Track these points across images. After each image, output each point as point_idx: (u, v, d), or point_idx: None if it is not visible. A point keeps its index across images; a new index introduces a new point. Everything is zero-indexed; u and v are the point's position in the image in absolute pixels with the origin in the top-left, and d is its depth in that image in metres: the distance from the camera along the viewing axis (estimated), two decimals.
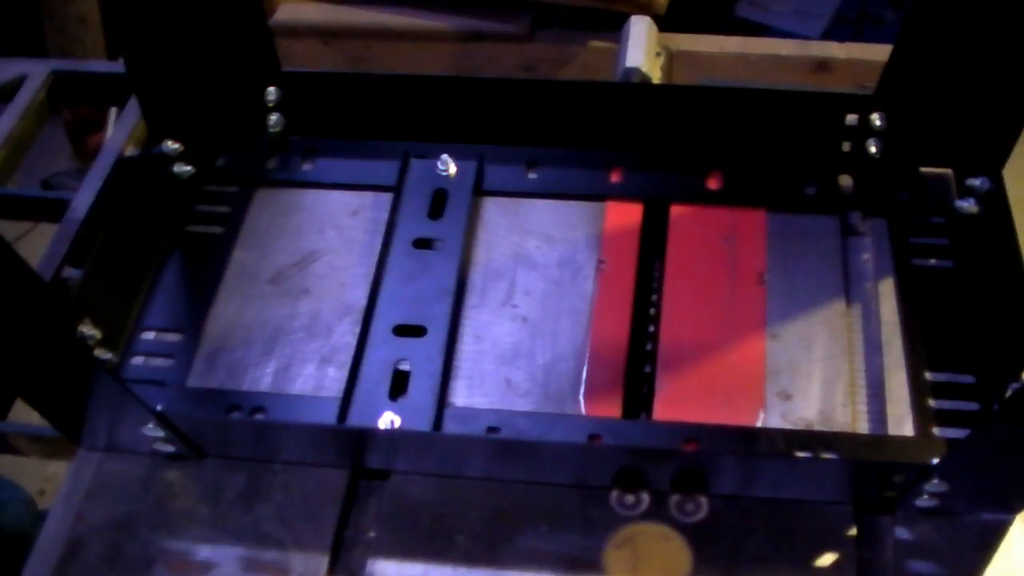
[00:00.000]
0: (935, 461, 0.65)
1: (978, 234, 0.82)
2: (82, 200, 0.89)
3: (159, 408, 0.70)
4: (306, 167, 0.93)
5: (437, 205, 0.87)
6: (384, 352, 0.78)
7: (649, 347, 0.79)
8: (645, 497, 0.71)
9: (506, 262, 0.85)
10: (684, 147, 0.89)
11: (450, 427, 0.75)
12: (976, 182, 0.82)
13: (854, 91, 0.96)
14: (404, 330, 0.79)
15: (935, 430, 0.73)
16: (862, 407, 0.75)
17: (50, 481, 1.60)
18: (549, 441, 0.73)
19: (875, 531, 0.69)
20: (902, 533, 0.68)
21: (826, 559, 0.67)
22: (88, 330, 0.78)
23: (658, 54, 1.31)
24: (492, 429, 0.74)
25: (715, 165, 0.88)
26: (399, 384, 0.76)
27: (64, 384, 0.68)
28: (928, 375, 0.76)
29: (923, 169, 0.87)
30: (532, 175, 0.90)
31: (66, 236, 0.85)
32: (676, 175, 0.88)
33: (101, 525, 0.72)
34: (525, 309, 0.82)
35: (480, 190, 0.89)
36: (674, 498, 0.71)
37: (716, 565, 0.68)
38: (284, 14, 1.69)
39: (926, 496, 0.67)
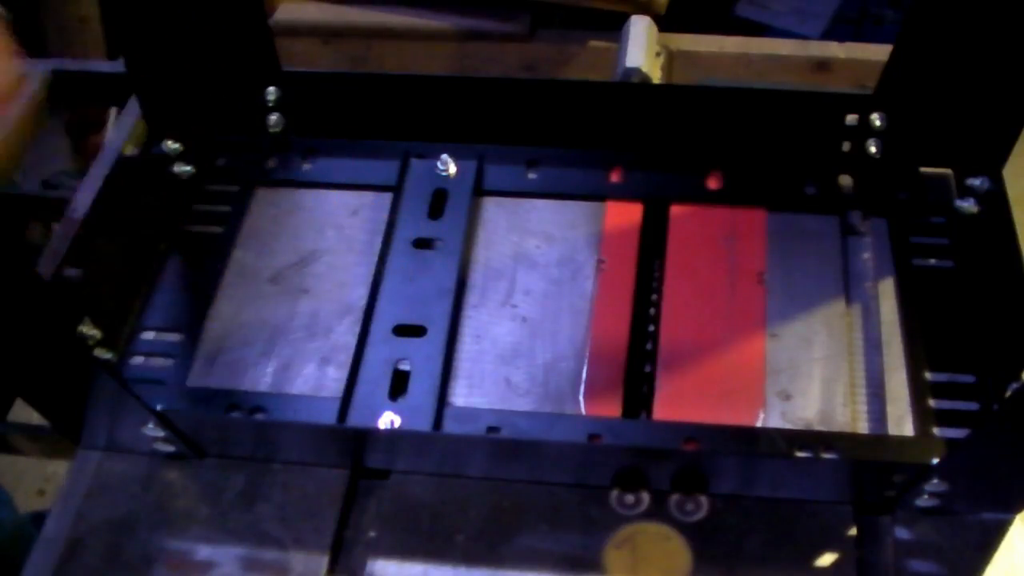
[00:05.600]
0: (935, 461, 0.65)
1: (978, 234, 0.82)
2: (82, 200, 0.89)
3: (159, 408, 0.70)
4: (306, 167, 0.93)
5: (437, 205, 0.87)
6: (384, 352, 0.78)
7: (649, 347, 0.79)
8: (645, 497, 0.71)
9: (506, 262, 0.85)
10: (684, 147, 0.89)
11: (450, 427, 0.75)
12: (976, 182, 0.82)
13: (854, 91, 0.96)
14: (404, 330, 0.79)
15: (935, 430, 0.73)
16: (862, 407, 0.75)
17: (50, 481, 1.60)
18: (549, 441, 0.73)
19: (875, 531, 0.69)
20: (902, 533, 0.68)
21: (826, 559, 0.67)
22: (88, 330, 0.78)
23: (658, 54, 1.31)
24: (492, 429, 0.74)
25: (715, 165, 0.88)
26: (399, 384, 0.76)
27: (64, 384, 0.68)
28: (928, 375, 0.76)
29: (923, 169, 0.87)
30: (532, 175, 0.90)
31: (66, 236, 0.85)
32: (676, 175, 0.88)
33: (101, 525, 0.72)
34: (525, 309, 0.82)
35: (480, 190, 0.89)
36: (674, 498, 0.71)
37: (716, 565, 0.68)
38: (284, 14, 1.69)
39: (926, 496, 0.67)
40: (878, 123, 0.84)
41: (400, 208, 0.87)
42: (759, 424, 0.74)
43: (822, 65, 1.48)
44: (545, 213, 0.88)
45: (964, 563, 0.67)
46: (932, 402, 0.74)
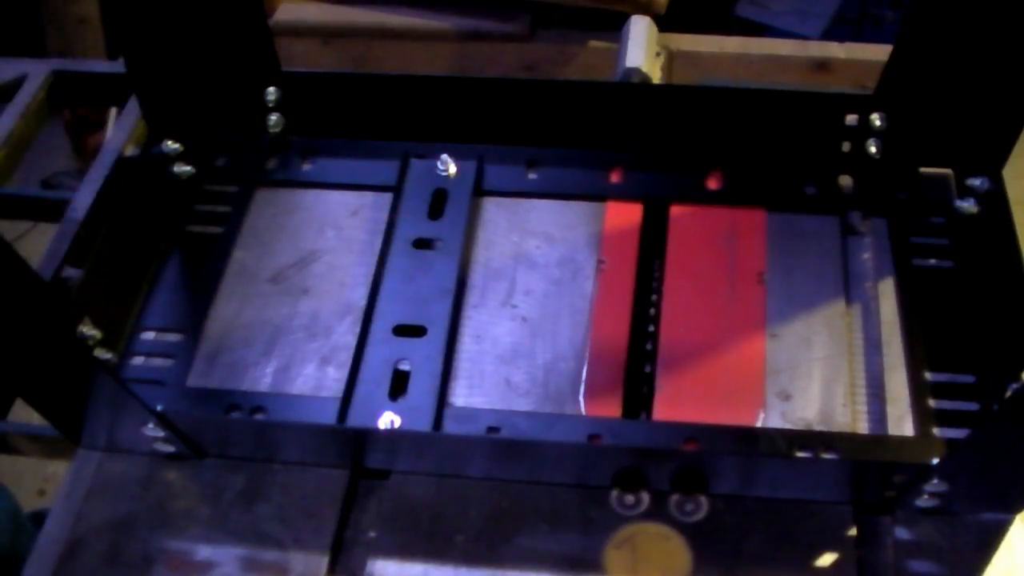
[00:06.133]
0: (935, 461, 0.65)
1: (978, 234, 0.82)
2: (82, 200, 0.89)
3: (159, 408, 0.70)
4: (306, 167, 0.93)
5: (437, 205, 0.87)
6: (384, 352, 0.78)
7: (649, 347, 0.79)
8: (645, 497, 0.71)
9: (506, 262, 0.85)
10: (684, 147, 0.89)
11: (450, 427, 0.75)
12: (976, 182, 0.82)
13: (854, 91, 0.96)
14: (404, 330, 0.79)
15: (935, 430, 0.73)
16: (862, 407, 0.75)
17: (50, 481, 1.60)
18: (549, 441, 0.73)
19: (875, 531, 0.69)
20: (902, 533, 0.68)
21: (826, 559, 0.67)
22: (88, 330, 0.78)
23: (658, 54, 1.31)
24: (492, 429, 0.74)
25: (715, 165, 0.88)
26: (399, 384, 0.76)
27: (64, 384, 0.68)
28: (928, 375, 0.76)
29: (923, 169, 0.87)
30: (532, 175, 0.90)
31: (66, 236, 0.85)
32: (676, 175, 0.88)
33: (101, 525, 0.72)
34: (525, 309, 0.82)
35: (480, 190, 0.89)
36: (674, 498, 0.71)
37: (716, 565, 0.68)
38: (284, 14, 1.69)
39: (926, 496, 0.67)
40: (878, 123, 0.84)
41: (400, 208, 0.87)
42: (759, 424, 0.74)
43: (822, 65, 1.48)
44: (545, 213, 0.88)
45: (964, 563, 0.67)
46: (932, 402, 0.74)
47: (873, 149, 0.86)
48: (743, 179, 0.87)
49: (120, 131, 0.95)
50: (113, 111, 1.78)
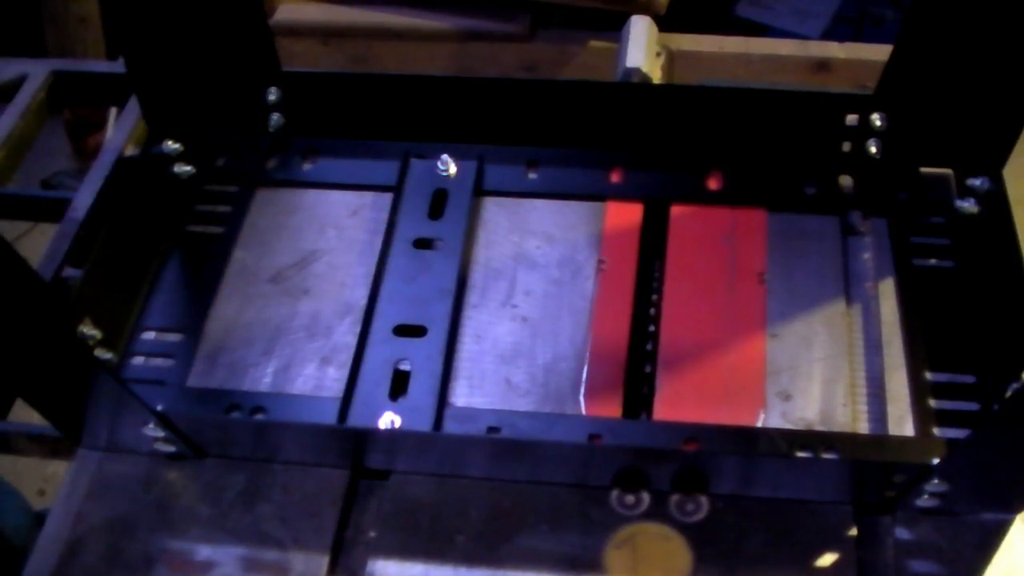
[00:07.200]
0: (935, 461, 0.65)
1: (978, 234, 0.82)
2: (82, 200, 0.89)
3: (159, 408, 0.70)
4: (306, 167, 0.93)
5: (437, 205, 0.87)
6: (384, 352, 0.78)
7: (649, 347, 0.79)
8: (645, 497, 0.71)
9: (506, 262, 0.85)
10: (684, 147, 0.89)
11: (450, 427, 0.75)
12: (976, 182, 0.82)
13: (854, 91, 0.96)
14: (404, 330, 0.79)
15: (935, 430, 0.73)
16: (862, 407, 0.75)
17: (50, 481, 1.60)
18: (549, 441, 0.73)
19: (875, 531, 0.69)
20: (902, 533, 0.68)
21: (826, 559, 0.67)
22: (88, 330, 0.78)
23: (658, 54, 1.31)
24: (492, 429, 0.74)
25: (715, 165, 0.88)
26: (399, 384, 0.76)
27: (64, 384, 0.68)
28: (928, 375, 0.76)
29: (923, 169, 0.87)
30: (532, 175, 0.90)
31: (66, 236, 0.85)
32: (676, 175, 0.88)
33: (101, 525, 0.72)
34: (525, 309, 0.82)
35: (480, 190, 0.89)
36: (674, 498, 0.71)
37: (716, 565, 0.68)
38: (284, 14, 1.69)
39: (926, 496, 0.67)
40: (878, 123, 0.84)
41: (400, 208, 0.87)
42: (759, 424, 0.74)
43: (822, 65, 1.48)
44: (545, 213, 0.88)
45: (964, 563, 0.67)
46: (932, 402, 0.74)
47: (873, 149, 0.86)
48: (743, 179, 0.87)
49: (120, 131, 0.95)
50: (113, 111, 1.78)
